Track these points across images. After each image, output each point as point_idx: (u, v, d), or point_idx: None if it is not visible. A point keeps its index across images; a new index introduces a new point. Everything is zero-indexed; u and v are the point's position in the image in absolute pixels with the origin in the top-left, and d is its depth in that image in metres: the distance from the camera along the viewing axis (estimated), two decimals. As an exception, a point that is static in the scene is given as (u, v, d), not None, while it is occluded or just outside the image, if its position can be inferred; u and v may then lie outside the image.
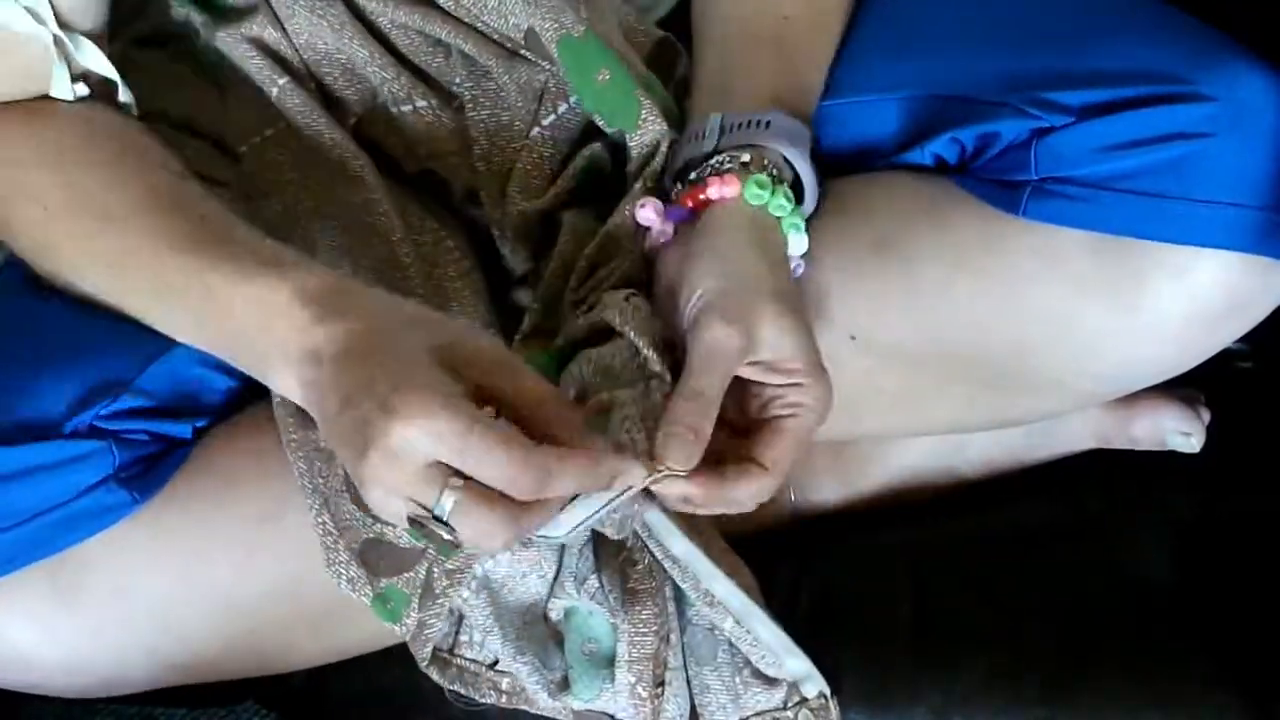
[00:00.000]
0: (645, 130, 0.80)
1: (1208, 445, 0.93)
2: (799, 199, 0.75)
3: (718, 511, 0.69)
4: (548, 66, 0.82)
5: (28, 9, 0.74)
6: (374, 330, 0.64)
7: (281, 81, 0.84)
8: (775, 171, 0.73)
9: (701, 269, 0.70)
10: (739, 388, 0.69)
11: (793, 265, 0.74)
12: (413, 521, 0.62)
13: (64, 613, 0.76)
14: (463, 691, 0.81)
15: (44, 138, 0.76)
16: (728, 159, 0.73)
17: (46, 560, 0.76)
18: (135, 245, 0.72)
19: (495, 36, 0.83)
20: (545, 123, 0.83)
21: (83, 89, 0.77)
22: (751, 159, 0.73)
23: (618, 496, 0.66)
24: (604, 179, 0.83)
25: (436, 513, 0.61)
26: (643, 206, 0.76)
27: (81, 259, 0.74)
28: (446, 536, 0.61)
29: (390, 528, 0.78)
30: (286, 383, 0.67)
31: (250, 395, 0.80)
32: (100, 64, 0.77)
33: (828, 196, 0.79)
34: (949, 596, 0.86)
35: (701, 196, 0.73)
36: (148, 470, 0.78)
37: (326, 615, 0.80)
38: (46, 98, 0.76)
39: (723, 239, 0.71)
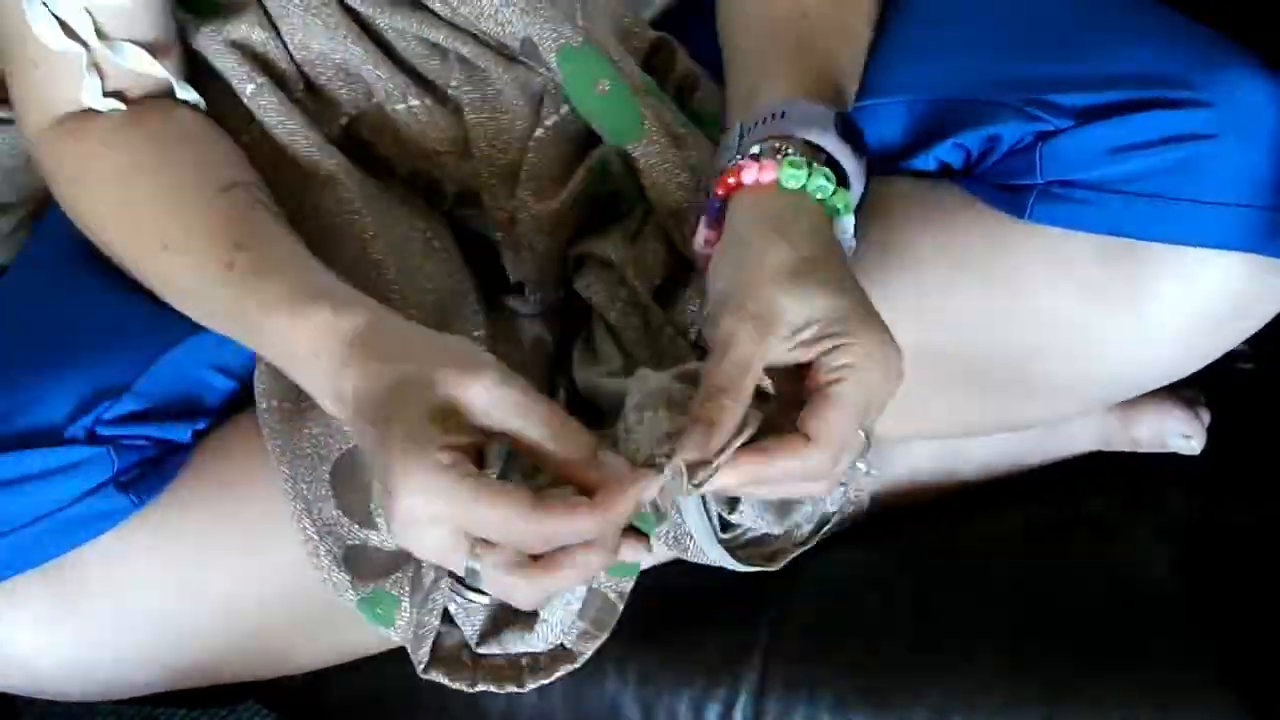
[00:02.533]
0: (651, 141, 0.79)
1: (1208, 446, 0.93)
2: (842, 181, 0.70)
3: (782, 494, 0.67)
4: (545, 72, 0.82)
5: (61, 21, 0.74)
6: (384, 383, 0.64)
7: (259, 81, 0.83)
8: (807, 157, 0.69)
9: (721, 262, 0.68)
10: (797, 372, 0.65)
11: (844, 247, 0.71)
12: (453, 577, 0.62)
13: (65, 617, 0.77)
14: (493, 689, 0.81)
15: (103, 156, 0.78)
16: (759, 146, 0.69)
17: (48, 565, 0.76)
18: (186, 272, 0.74)
19: (492, 43, 0.83)
20: (548, 123, 0.82)
21: (115, 103, 0.78)
22: (780, 145, 0.69)
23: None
24: (615, 179, 0.83)
25: (466, 580, 0.61)
26: (693, 234, 0.74)
27: (146, 275, 0.77)
28: (482, 598, 0.62)
29: (374, 532, 0.78)
30: (323, 403, 0.69)
31: (249, 397, 0.80)
32: (150, 68, 0.78)
33: None
34: (949, 596, 0.86)
35: (732, 181, 0.69)
36: (147, 474, 0.78)
37: (327, 618, 0.80)
38: (105, 116, 0.78)
39: (744, 227, 0.68)
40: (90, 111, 0.78)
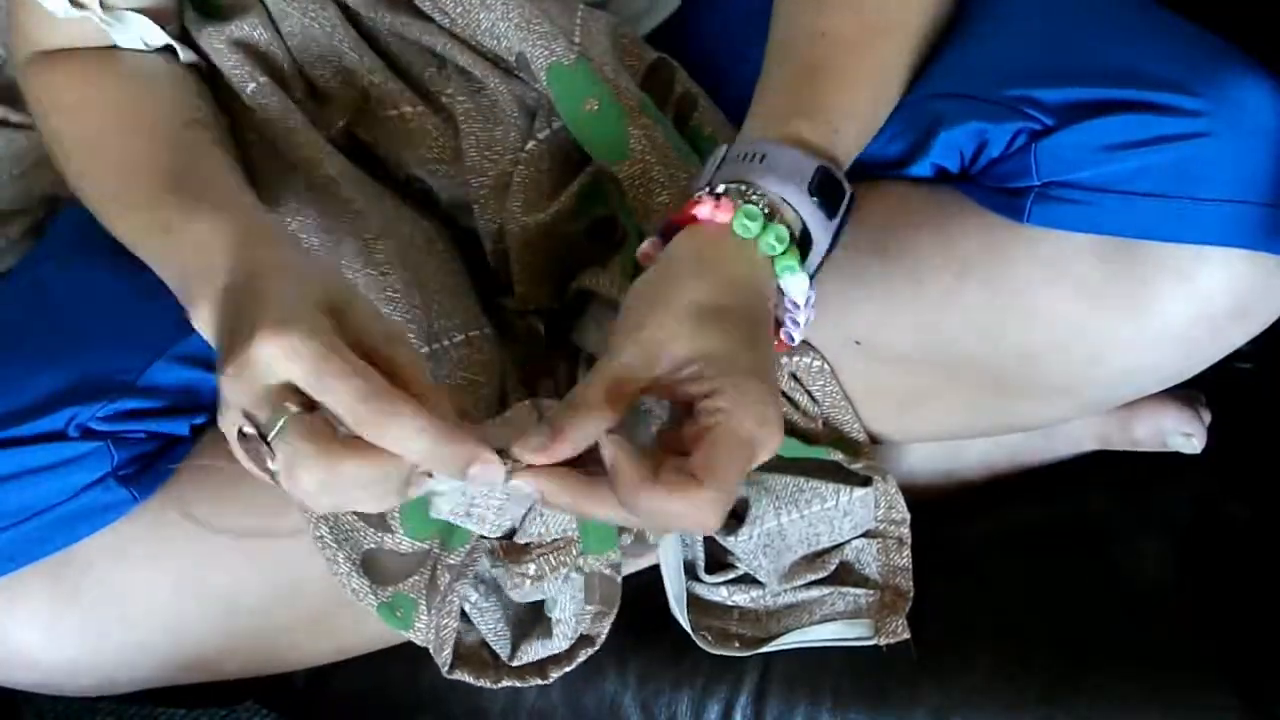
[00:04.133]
0: (636, 163, 0.79)
1: (1208, 446, 0.93)
2: (805, 240, 0.68)
3: (661, 527, 0.65)
4: (539, 87, 0.82)
5: None
6: (272, 272, 0.64)
7: (260, 80, 0.83)
8: (768, 209, 0.67)
9: (642, 281, 0.67)
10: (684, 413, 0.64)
11: (799, 314, 0.69)
12: (241, 436, 0.61)
13: (66, 612, 0.77)
14: (517, 684, 0.81)
15: (79, 88, 0.81)
16: (725, 185, 0.68)
17: (48, 560, 0.76)
18: (134, 189, 0.74)
19: (488, 55, 0.83)
20: (540, 136, 0.82)
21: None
22: (746, 190, 0.67)
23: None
24: (611, 199, 0.83)
25: (267, 432, 0.59)
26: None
27: (102, 201, 0.77)
28: (267, 462, 0.60)
29: (390, 535, 0.78)
30: (202, 315, 0.66)
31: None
32: (155, 36, 0.82)
33: None
34: (949, 597, 0.86)
35: (691, 213, 0.68)
36: (146, 468, 0.78)
37: (327, 614, 0.81)
38: (89, 51, 0.82)
39: (676, 256, 0.67)
40: (74, 49, 0.83)
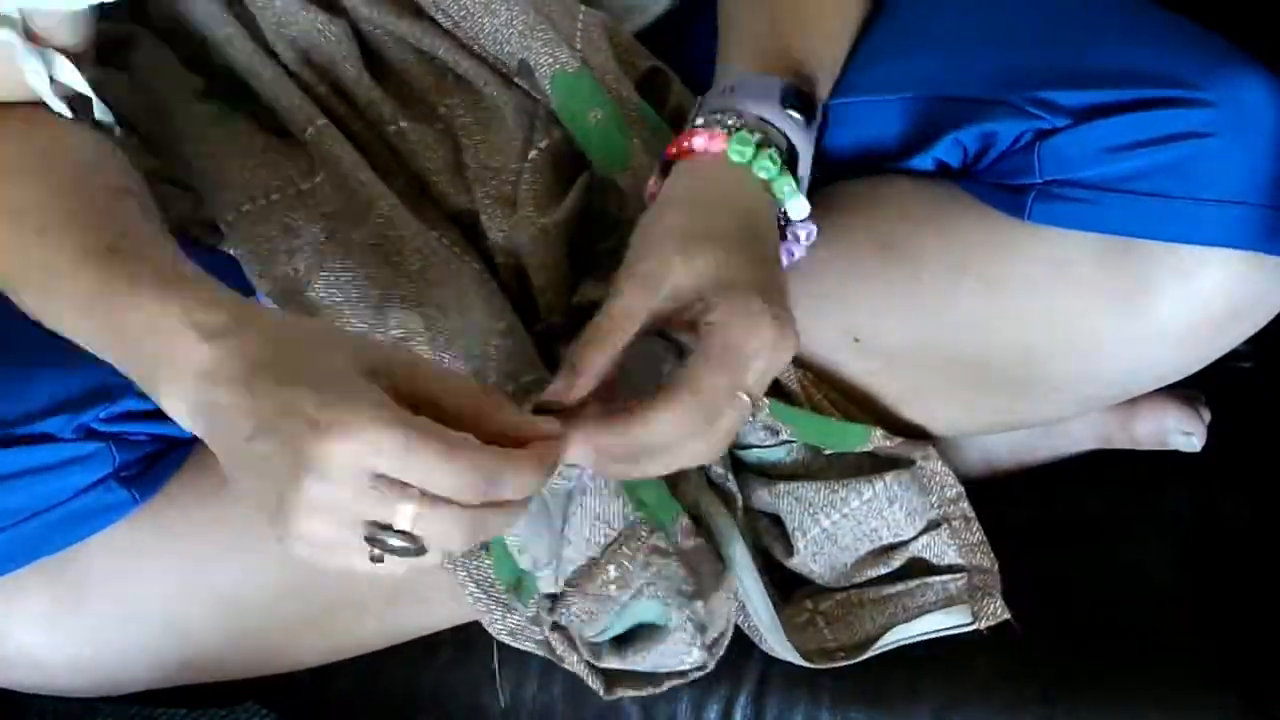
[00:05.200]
0: (636, 172, 0.79)
1: (1208, 445, 0.93)
2: (795, 162, 0.71)
3: (667, 463, 0.64)
4: (539, 98, 0.82)
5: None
6: (284, 348, 0.59)
7: (319, 123, 0.82)
8: (759, 137, 0.69)
9: (643, 219, 0.68)
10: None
11: (799, 231, 0.71)
12: (370, 541, 0.57)
13: (68, 613, 0.77)
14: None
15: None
16: (714, 117, 0.70)
17: (50, 561, 0.76)
18: (60, 255, 0.66)
19: (490, 60, 0.83)
20: (541, 145, 0.81)
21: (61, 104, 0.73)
22: (731, 120, 0.70)
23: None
24: (614, 200, 0.82)
25: (397, 526, 0.56)
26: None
27: (16, 271, 0.69)
28: (408, 547, 0.57)
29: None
30: (174, 405, 0.60)
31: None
32: (75, 80, 0.73)
33: (832, 198, 0.78)
34: (949, 596, 0.86)
35: (685, 145, 0.70)
36: (148, 469, 0.78)
37: (329, 614, 0.81)
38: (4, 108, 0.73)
39: (672, 190, 0.69)
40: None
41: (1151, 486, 0.93)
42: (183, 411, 0.60)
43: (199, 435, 0.60)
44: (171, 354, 0.60)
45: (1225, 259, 0.70)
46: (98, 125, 0.75)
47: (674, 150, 0.71)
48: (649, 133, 0.80)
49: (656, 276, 0.64)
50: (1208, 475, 0.93)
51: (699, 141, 0.69)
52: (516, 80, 0.83)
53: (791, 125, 0.70)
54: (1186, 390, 0.93)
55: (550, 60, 0.80)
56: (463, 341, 0.77)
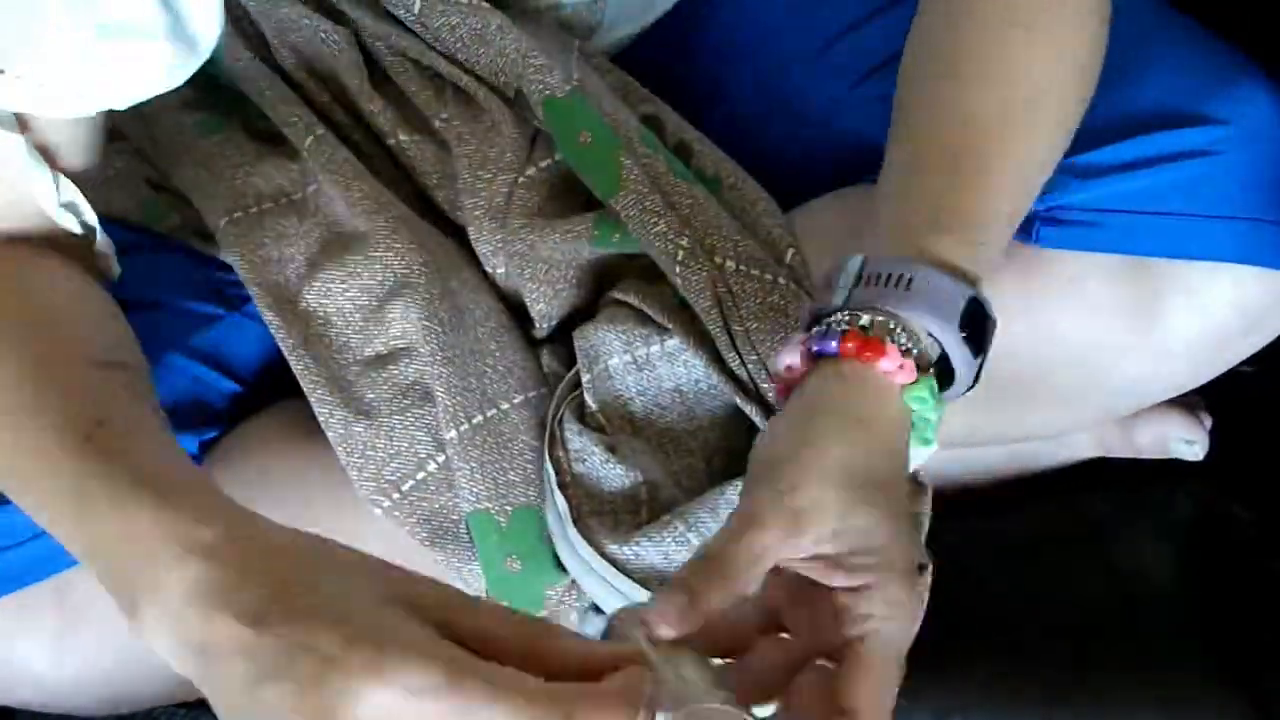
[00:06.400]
0: (629, 194, 0.77)
1: (1209, 449, 0.94)
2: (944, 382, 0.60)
3: None
4: (536, 122, 0.82)
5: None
6: (293, 570, 0.49)
7: (320, 132, 0.82)
8: (918, 351, 0.58)
9: (785, 419, 0.58)
10: (818, 607, 0.55)
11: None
12: None
13: (74, 632, 0.76)
14: None
15: None
16: (870, 317, 0.58)
17: (55, 579, 0.75)
18: (29, 443, 0.57)
19: (489, 82, 0.82)
20: (542, 164, 0.81)
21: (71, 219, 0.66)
22: (895, 329, 0.58)
23: None
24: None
25: None
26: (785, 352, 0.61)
27: None
28: None
29: None
30: (157, 638, 0.50)
31: (253, 400, 0.80)
32: (84, 209, 0.66)
33: (840, 211, 0.78)
34: (949, 598, 0.86)
35: (866, 354, 0.57)
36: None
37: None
38: None
39: (822, 397, 0.58)
40: None
41: (1152, 489, 0.93)
42: (168, 646, 0.49)
43: (188, 676, 0.49)
44: (153, 574, 0.50)
45: (1235, 275, 0.70)
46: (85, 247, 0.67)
47: (819, 344, 0.59)
48: (649, 155, 0.79)
49: (808, 519, 0.53)
50: (1209, 479, 0.93)
51: (885, 365, 0.57)
52: (517, 106, 0.82)
53: (961, 358, 0.59)
54: (1188, 397, 0.94)
55: (541, 87, 0.80)
56: (461, 355, 0.77)
